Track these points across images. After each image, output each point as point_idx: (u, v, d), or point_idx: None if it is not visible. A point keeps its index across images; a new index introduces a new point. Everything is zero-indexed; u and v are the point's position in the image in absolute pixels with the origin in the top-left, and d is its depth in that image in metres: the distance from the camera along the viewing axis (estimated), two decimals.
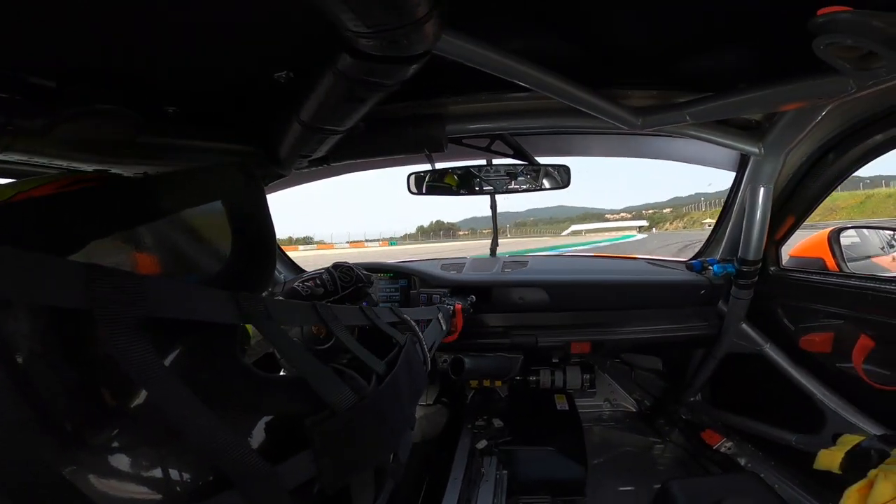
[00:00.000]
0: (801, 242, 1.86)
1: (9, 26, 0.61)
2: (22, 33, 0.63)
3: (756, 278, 1.68)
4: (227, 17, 0.68)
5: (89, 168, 0.91)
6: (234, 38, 0.75)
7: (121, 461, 0.43)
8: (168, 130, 1.03)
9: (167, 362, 0.48)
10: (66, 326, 0.43)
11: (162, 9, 0.62)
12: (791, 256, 1.84)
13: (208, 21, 0.68)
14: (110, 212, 0.50)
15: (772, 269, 1.71)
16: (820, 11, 0.67)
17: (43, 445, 0.39)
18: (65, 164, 0.88)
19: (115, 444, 0.44)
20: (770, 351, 1.70)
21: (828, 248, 1.70)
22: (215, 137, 1.13)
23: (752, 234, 1.58)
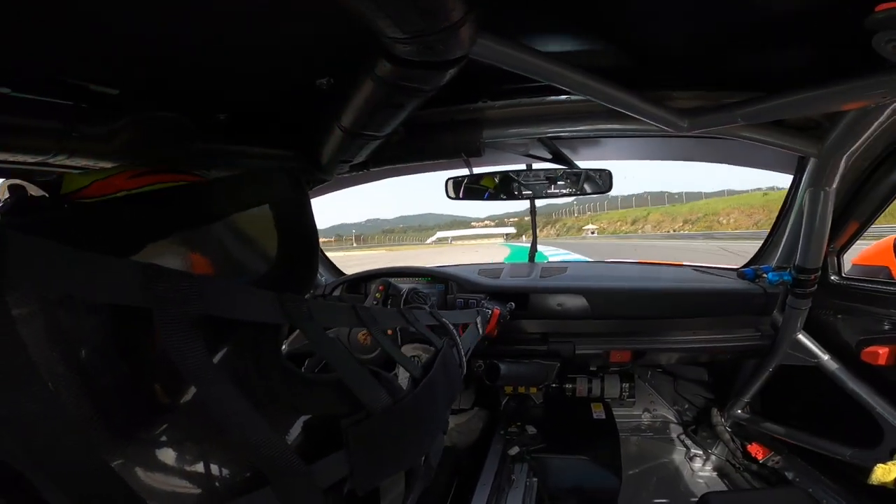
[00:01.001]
0: (865, 250, 1.74)
1: (73, 37, 0.65)
2: (85, 43, 0.68)
3: (815, 287, 1.57)
4: (270, 26, 0.71)
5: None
6: (277, 46, 0.78)
7: (166, 455, 0.45)
8: (219, 137, 1.08)
9: (215, 360, 0.50)
10: (123, 325, 0.45)
11: (210, 19, 0.66)
12: (853, 265, 1.72)
13: (252, 31, 0.71)
14: (168, 216, 0.53)
15: (833, 277, 1.60)
16: (878, 7, 0.63)
17: (97, 439, 0.42)
18: None
19: (163, 439, 0.46)
20: (827, 363, 1.59)
21: (893, 256, 1.57)
22: (262, 143, 1.18)
23: (810, 241, 1.48)
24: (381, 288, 1.90)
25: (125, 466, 0.43)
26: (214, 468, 0.46)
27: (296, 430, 0.54)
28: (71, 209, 0.50)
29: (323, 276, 2.27)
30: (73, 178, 0.53)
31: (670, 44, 0.94)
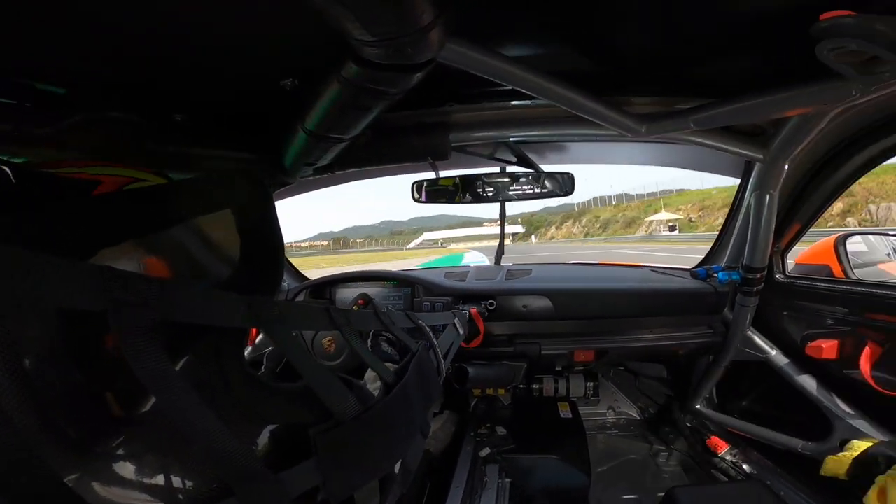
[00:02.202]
0: (807, 250, 1.85)
1: (17, 32, 0.61)
2: (31, 39, 0.64)
3: (762, 286, 1.67)
4: (235, 25, 0.68)
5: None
6: (241, 45, 0.75)
7: (125, 469, 0.43)
8: (176, 138, 1.03)
9: (177, 368, 0.48)
10: (74, 330, 0.43)
11: (170, 16, 0.63)
12: (797, 264, 1.83)
13: (216, 29, 0.69)
14: (123, 220, 0.50)
15: (777, 276, 1.70)
16: (823, 16, 0.67)
17: (46, 451, 0.39)
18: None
19: (121, 452, 0.44)
20: (776, 358, 1.68)
21: (833, 255, 1.68)
22: (222, 145, 1.14)
23: (757, 241, 1.57)
24: (360, 302, 1.86)
25: (81, 480, 0.41)
26: (177, 480, 0.44)
27: (263, 440, 0.53)
28: (24, 212, 0.47)
29: (286, 282, 2.21)
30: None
31: (630, 51, 0.98)
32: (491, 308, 1.82)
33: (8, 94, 0.73)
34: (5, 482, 0.28)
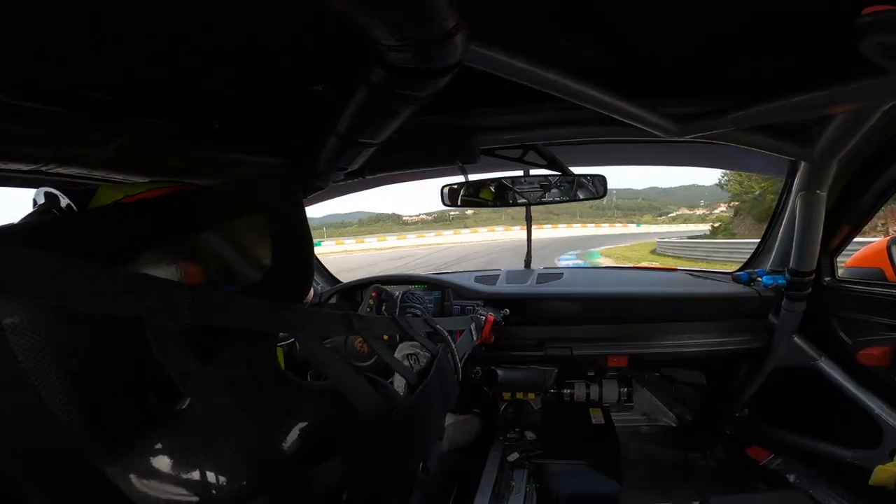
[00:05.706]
0: (859, 252, 1.75)
1: (70, 43, 0.65)
2: (82, 49, 0.67)
3: (809, 290, 1.59)
4: (268, 34, 0.71)
5: (143, 180, 0.96)
6: (274, 52, 0.78)
7: (161, 463, 0.45)
8: (213, 144, 1.07)
9: (209, 369, 0.51)
10: (117, 333, 0.45)
11: (209, 27, 0.66)
12: (847, 267, 1.73)
13: (251, 37, 0.72)
14: (159, 224, 0.53)
15: (826, 279, 1.62)
16: (865, 10, 0.64)
17: (88, 444, 0.41)
18: (120, 176, 0.92)
19: (158, 447, 0.46)
20: (824, 364, 1.60)
21: (887, 258, 1.58)
22: (256, 151, 1.18)
23: (804, 244, 1.50)
24: (374, 294, 1.90)
25: (120, 473, 0.43)
26: (211, 476, 0.46)
27: (293, 437, 0.54)
28: (67, 218, 0.51)
29: (319, 285, 2.26)
30: (106, 192, 0.54)
31: (662, 51, 0.95)
32: (506, 315, 1.81)
33: (57, 102, 0.78)
34: (49, 470, 0.30)
